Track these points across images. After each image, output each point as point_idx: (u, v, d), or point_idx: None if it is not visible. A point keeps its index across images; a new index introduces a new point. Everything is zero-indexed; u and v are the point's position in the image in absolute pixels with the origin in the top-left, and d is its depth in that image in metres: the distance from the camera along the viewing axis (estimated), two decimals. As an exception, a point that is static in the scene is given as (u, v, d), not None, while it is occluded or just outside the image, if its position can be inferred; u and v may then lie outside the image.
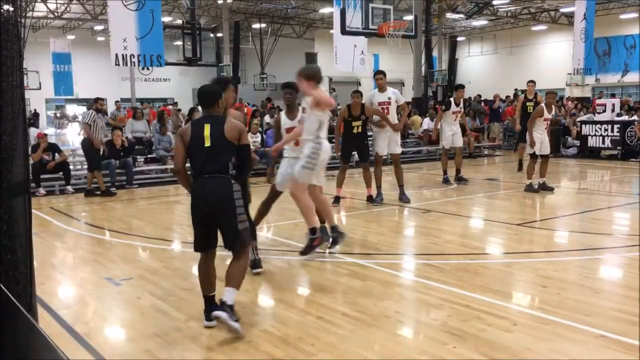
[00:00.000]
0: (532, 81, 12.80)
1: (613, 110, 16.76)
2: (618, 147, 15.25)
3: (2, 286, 1.82)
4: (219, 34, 27.10)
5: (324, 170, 5.95)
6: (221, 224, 4.15)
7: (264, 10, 33.19)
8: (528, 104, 12.51)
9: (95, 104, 10.83)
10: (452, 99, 11.17)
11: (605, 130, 15.49)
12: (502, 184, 11.89)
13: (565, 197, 10.28)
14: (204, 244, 4.21)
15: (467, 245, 6.58)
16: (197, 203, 4.14)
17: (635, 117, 16.14)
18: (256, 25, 34.88)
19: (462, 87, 11.45)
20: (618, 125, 15.36)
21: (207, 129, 4.13)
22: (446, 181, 11.24)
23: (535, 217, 8.54)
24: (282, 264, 6.04)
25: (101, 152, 10.85)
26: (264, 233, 7.28)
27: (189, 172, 4.35)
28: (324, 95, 5.66)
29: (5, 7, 2.34)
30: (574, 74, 21.79)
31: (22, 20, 2.40)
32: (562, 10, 31.45)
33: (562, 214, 8.58)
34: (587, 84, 31.20)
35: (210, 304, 4.21)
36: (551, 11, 32.44)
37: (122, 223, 8.44)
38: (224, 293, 4.08)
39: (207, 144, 4.10)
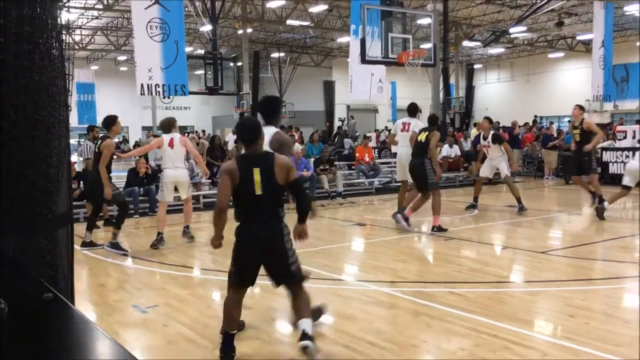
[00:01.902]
0: (580, 106, 11.19)
1: (634, 137, 16.64)
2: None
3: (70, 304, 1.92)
4: (239, 63, 27.53)
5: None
6: (272, 266, 4.09)
7: (282, 40, 33.73)
8: (575, 131, 10.99)
9: (91, 133, 10.89)
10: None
11: (627, 157, 15.37)
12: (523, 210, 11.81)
13: (589, 224, 10.19)
14: (246, 281, 4.13)
15: (492, 274, 6.54)
16: (248, 246, 4.02)
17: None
18: (275, 55, 35.41)
19: (486, 118, 11.62)
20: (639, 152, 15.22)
21: (257, 175, 3.89)
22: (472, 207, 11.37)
23: (559, 245, 8.47)
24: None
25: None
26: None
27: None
28: None
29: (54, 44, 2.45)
30: (593, 101, 21.71)
31: (68, 57, 2.50)
32: (579, 37, 31.51)
33: (586, 242, 8.50)
34: (605, 111, 31.05)
35: (229, 342, 4.05)
36: (568, 38, 32.51)
37: (145, 251, 8.52)
38: (302, 324, 3.94)
39: (258, 191, 3.90)
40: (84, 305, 5.78)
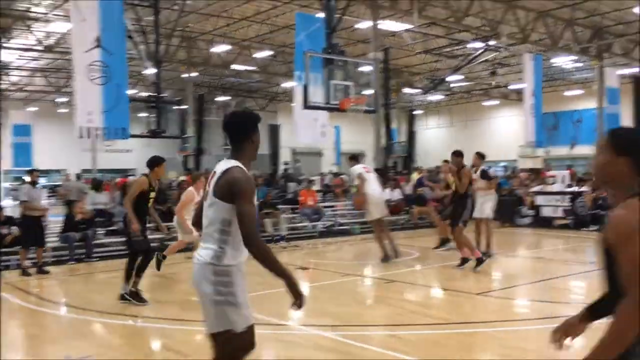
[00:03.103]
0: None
1: (563, 182, 17.48)
2: (570, 217, 15.80)
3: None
4: (184, 107, 27.50)
5: None
6: None
7: (227, 84, 33.94)
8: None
9: (31, 176, 10.44)
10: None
11: (557, 200, 16.09)
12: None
13: (523, 265, 10.54)
14: None
15: (431, 316, 6.67)
16: None
17: (584, 188, 16.84)
18: (220, 98, 35.53)
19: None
20: (569, 196, 15.99)
21: None
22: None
23: (495, 286, 8.72)
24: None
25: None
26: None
27: None
28: None
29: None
30: (526, 147, 22.76)
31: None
32: (511, 87, 33.15)
33: (520, 283, 8.80)
34: (538, 156, 32.51)
35: None
36: (501, 87, 34.14)
37: (80, 298, 8.22)
38: None
39: None
40: (11, 358, 5.51)
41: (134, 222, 7.19)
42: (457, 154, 9.72)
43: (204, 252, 3.16)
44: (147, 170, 7.64)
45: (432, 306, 7.49)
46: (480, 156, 11.17)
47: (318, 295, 8.12)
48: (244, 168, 3.16)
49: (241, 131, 3.26)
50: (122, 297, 7.32)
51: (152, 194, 7.52)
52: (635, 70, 24.82)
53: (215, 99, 35.90)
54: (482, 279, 9.25)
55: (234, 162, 3.16)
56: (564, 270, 9.72)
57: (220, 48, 25.26)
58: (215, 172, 3.23)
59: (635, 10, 18.50)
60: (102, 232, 12.81)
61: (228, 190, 3.05)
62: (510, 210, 17.09)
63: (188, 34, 24.48)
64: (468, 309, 7.17)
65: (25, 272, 9.76)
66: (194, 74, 27.22)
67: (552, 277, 8.92)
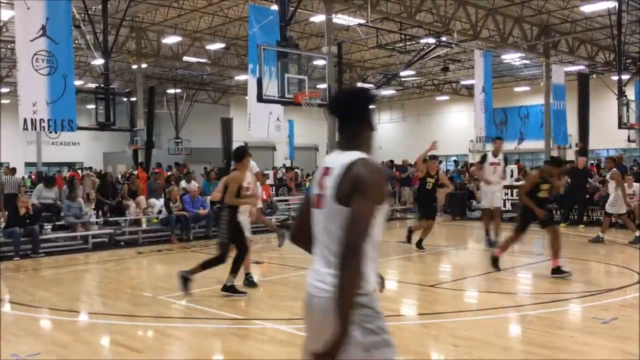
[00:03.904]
0: (434, 157, 11.44)
1: (512, 176, 17.95)
2: (517, 210, 16.23)
3: None
4: (133, 99, 26.84)
5: None
6: None
7: (179, 76, 33.37)
8: (430, 180, 10.99)
9: None
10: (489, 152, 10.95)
11: (506, 194, 16.52)
12: (412, 246, 12.30)
13: (473, 258, 10.80)
14: None
15: (385, 307, 6.73)
16: None
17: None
18: (171, 91, 34.90)
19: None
20: (516, 190, 16.43)
21: None
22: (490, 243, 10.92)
23: (446, 278, 8.90)
24: (200, 332, 5.93)
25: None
26: (181, 301, 7.12)
27: None
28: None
29: None
30: (476, 142, 23.27)
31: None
32: (463, 82, 33.85)
33: (470, 275, 9.00)
34: (488, 151, 33.39)
35: None
36: (453, 83, 34.82)
37: (26, 295, 7.95)
38: None
39: None
40: (-46, 358, 5.30)
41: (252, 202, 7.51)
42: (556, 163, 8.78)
43: (329, 279, 2.28)
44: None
45: (386, 298, 7.57)
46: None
47: (273, 289, 8.11)
48: (372, 159, 2.39)
49: (355, 111, 2.50)
50: (226, 289, 7.22)
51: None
52: (580, 67, 25.74)
53: (167, 91, 35.25)
54: (434, 272, 9.43)
55: (356, 154, 2.36)
56: (511, 262, 9.99)
57: (171, 39, 24.81)
58: (328, 168, 2.40)
59: (581, 9, 19.14)
60: (49, 227, 12.44)
61: (355, 190, 2.28)
62: (461, 204, 17.49)
63: (138, 24, 23.92)
64: (421, 300, 7.30)
65: None
66: (144, 66, 26.63)
67: (499, 269, 9.16)
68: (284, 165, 31.60)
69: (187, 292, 6.96)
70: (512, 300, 7.19)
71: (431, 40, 21.76)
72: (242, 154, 7.38)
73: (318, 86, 16.86)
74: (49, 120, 11.33)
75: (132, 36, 24.46)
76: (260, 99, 11.75)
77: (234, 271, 7.19)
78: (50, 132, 13.10)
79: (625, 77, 19.65)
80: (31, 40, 11.12)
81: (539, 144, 27.28)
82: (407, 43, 23.04)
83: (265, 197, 15.69)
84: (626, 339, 5.32)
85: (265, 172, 21.60)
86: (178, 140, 33.44)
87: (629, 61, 22.26)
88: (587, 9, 19.45)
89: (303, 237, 2.57)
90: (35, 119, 11.17)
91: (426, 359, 5.05)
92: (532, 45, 23.37)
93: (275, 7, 13.72)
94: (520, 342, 5.55)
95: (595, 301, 6.80)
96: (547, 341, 5.30)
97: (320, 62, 16.49)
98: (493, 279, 8.39)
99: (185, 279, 6.96)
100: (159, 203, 13.74)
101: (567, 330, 5.80)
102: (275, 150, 36.51)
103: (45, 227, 12.12)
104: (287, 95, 11.71)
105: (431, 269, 9.62)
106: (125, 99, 22.21)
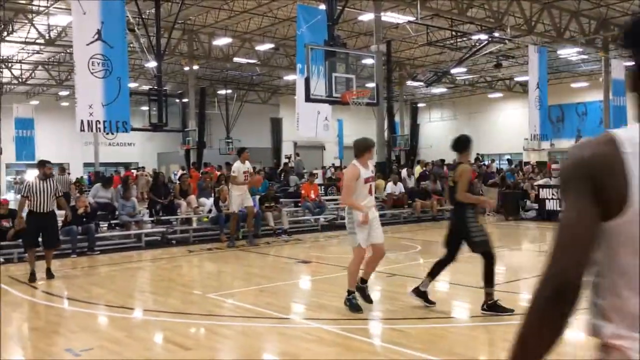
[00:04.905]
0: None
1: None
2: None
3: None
4: (185, 100, 27.45)
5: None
6: None
7: (229, 77, 33.86)
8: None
9: (42, 169, 8.92)
10: None
11: (562, 193, 15.97)
12: (463, 247, 12.04)
13: (528, 259, 10.48)
14: None
15: (433, 309, 6.61)
16: None
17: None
18: (222, 91, 35.46)
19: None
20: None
21: None
22: None
23: (499, 280, 8.65)
24: (248, 331, 5.96)
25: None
26: (229, 300, 7.18)
27: None
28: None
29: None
30: (531, 140, 22.64)
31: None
32: (516, 79, 32.98)
33: (524, 276, 8.74)
34: (543, 149, 32.42)
35: None
36: (506, 80, 33.98)
37: (82, 291, 8.20)
38: None
39: None
40: (14, 351, 5.50)
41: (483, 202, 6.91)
42: None
43: None
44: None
45: (435, 300, 7.44)
46: None
47: (320, 289, 8.09)
48: None
49: None
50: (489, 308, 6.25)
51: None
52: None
53: (217, 92, 35.83)
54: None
55: None
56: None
57: (222, 41, 25.18)
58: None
59: (641, 1, 18.34)
60: (104, 225, 12.82)
61: None
62: (515, 203, 17.03)
63: (189, 27, 24.40)
64: (471, 302, 7.12)
65: (32, 277, 8.65)
66: (195, 67, 27.15)
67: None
68: (333, 164, 31.58)
69: (429, 303, 6.49)
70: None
71: (483, 37, 21.31)
72: (467, 144, 6.56)
73: (367, 85, 16.76)
74: (104, 121, 11.70)
75: (184, 39, 24.98)
76: (307, 98, 11.77)
77: (433, 276, 6.51)
78: (107, 133, 13.50)
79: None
80: (87, 44, 11.51)
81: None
82: (458, 40, 22.63)
83: (313, 196, 15.73)
84: None
85: (314, 171, 21.67)
86: (229, 140, 33.95)
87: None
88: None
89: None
90: (92, 121, 11.56)
91: (476, 362, 4.92)
92: (590, 40, 22.54)
93: (323, 7, 13.72)
94: (572, 346, 5.33)
95: None
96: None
97: (369, 61, 16.40)
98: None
99: (422, 293, 6.47)
100: (209, 202, 13.94)
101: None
102: (325, 150, 36.55)
103: (101, 226, 12.50)
104: (334, 95, 11.68)
105: (480, 270, 9.36)
106: (177, 101, 22.72)
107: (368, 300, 6.54)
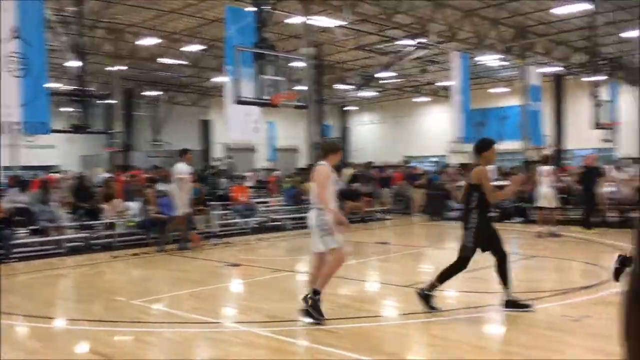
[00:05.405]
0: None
1: (491, 176, 18.07)
2: (496, 209, 16.36)
3: None
4: (110, 101, 26.57)
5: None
6: None
7: (157, 78, 33.07)
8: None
9: None
10: None
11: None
12: (392, 247, 12.33)
13: (450, 258, 10.81)
14: None
15: (361, 309, 6.74)
16: None
17: (508, 182, 17.49)
18: (149, 93, 34.59)
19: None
20: (495, 190, 16.54)
21: None
22: None
23: (425, 279, 8.91)
24: (175, 337, 5.86)
25: None
26: (155, 305, 7.03)
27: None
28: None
29: None
30: (455, 142, 23.43)
31: None
32: (441, 84, 34.04)
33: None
34: (466, 151, 33.60)
35: None
36: (431, 84, 34.99)
37: (-2, 301, 7.80)
38: None
39: None
40: None
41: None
42: None
43: None
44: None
45: (365, 299, 7.58)
46: None
47: (250, 292, 8.06)
48: None
49: None
50: (508, 304, 6.41)
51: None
52: (556, 68, 26.05)
53: (144, 94, 34.93)
54: (412, 272, 9.43)
55: None
56: (490, 262, 10.04)
57: (148, 41, 24.57)
58: None
59: (555, 11, 19.38)
60: (24, 232, 12.20)
61: None
62: (439, 204, 17.57)
63: (114, 25, 23.66)
64: (398, 301, 7.30)
65: None
66: (121, 68, 26.35)
67: (477, 269, 9.19)
68: (262, 167, 31.48)
69: (434, 308, 6.38)
70: (491, 299, 7.22)
71: (409, 42, 21.87)
72: (485, 146, 6.88)
73: (297, 88, 16.83)
74: (22, 122, 11.15)
75: (108, 38, 24.19)
76: (237, 100, 11.70)
77: (505, 282, 6.47)
78: (24, 135, 12.89)
79: (599, 78, 19.94)
80: (4, 42, 10.94)
81: (518, 145, 27.56)
82: (386, 45, 23.11)
83: (244, 199, 15.62)
84: (600, 336, 5.37)
85: (244, 174, 21.53)
86: (157, 143, 33.16)
87: (603, 62, 22.59)
88: (560, 11, 19.69)
89: None
90: (9, 122, 10.99)
91: (401, 358, 5.04)
92: (508, 47, 23.57)
93: (252, 9, 13.67)
94: (495, 342, 5.57)
95: (566, 299, 6.87)
96: (525, 340, 5.33)
97: (299, 64, 16.47)
98: (471, 279, 8.42)
99: (426, 297, 6.43)
100: (135, 206, 13.57)
101: (540, 329, 5.82)
102: (256, 152, 36.37)
103: (19, 232, 11.89)
104: (264, 97, 11.67)
105: (409, 269, 9.62)
106: (101, 102, 21.93)
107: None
